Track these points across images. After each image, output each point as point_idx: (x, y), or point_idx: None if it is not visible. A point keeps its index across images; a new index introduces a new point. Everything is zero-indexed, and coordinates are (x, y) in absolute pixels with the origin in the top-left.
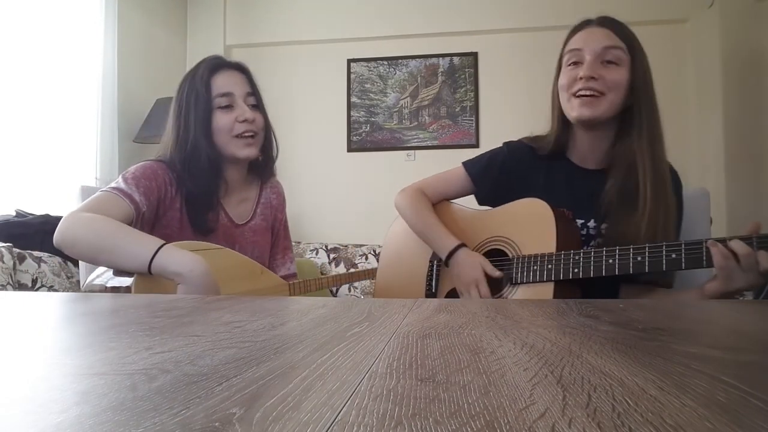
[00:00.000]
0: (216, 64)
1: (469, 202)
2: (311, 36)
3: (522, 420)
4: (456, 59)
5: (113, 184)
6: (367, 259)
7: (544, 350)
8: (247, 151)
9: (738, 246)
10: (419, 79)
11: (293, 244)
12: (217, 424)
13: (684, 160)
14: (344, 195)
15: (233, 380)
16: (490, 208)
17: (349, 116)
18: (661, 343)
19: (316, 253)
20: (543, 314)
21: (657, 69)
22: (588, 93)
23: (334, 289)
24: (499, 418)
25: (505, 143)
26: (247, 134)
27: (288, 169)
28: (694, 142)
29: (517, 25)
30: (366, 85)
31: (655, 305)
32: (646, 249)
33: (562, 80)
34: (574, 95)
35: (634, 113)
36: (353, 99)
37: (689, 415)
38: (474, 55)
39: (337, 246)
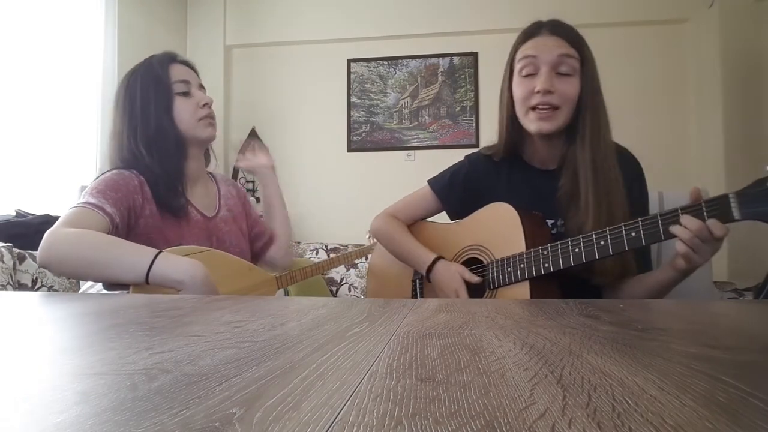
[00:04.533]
0: (171, 57)
1: (444, 218)
2: (311, 36)
3: (522, 420)
4: (456, 59)
5: (81, 200)
6: (367, 258)
7: (544, 350)
8: (209, 131)
9: (690, 222)
10: (419, 79)
11: (293, 244)
12: (217, 424)
13: (684, 160)
14: (344, 195)
15: (233, 380)
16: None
17: (349, 116)
18: (661, 343)
19: (316, 253)
20: (543, 314)
21: (657, 69)
22: (545, 108)
23: (334, 289)
24: (499, 418)
25: (466, 156)
26: (208, 117)
27: (288, 169)
28: (694, 142)
29: (517, 25)
30: (366, 85)
31: (655, 305)
32: (608, 232)
33: (518, 92)
34: (531, 109)
35: (579, 121)
36: (353, 99)
37: (689, 415)
38: (474, 55)
39: (337, 246)
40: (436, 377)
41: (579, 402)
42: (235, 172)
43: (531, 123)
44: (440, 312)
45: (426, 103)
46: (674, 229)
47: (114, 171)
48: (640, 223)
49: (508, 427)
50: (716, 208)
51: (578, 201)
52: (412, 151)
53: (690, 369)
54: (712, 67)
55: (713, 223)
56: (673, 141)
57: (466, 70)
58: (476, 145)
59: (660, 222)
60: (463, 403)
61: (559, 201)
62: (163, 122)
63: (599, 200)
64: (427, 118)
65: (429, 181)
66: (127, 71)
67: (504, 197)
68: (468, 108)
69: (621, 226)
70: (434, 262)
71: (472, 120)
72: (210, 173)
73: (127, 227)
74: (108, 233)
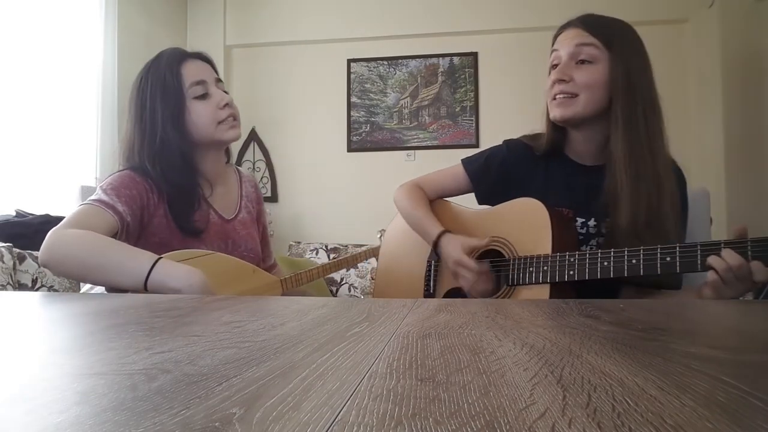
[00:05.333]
0: (182, 54)
1: (469, 201)
2: (311, 36)
3: (522, 420)
4: (456, 59)
5: (94, 197)
6: (368, 261)
7: (544, 350)
8: (233, 133)
9: (731, 258)
10: (419, 79)
11: (293, 243)
12: (217, 424)
13: (684, 160)
14: (344, 195)
15: (233, 380)
16: (489, 207)
17: (349, 116)
18: (661, 343)
19: (316, 253)
20: (543, 314)
21: (657, 69)
22: (561, 96)
23: (334, 289)
24: (499, 418)
25: (505, 141)
26: (230, 118)
27: (288, 169)
28: (694, 142)
29: (517, 25)
30: (366, 85)
31: (655, 305)
32: (641, 252)
33: (546, 84)
34: (553, 99)
35: (612, 109)
36: (353, 99)
37: (689, 415)
38: (474, 55)
39: (337, 246)
40: (436, 377)
41: (579, 402)
42: None
43: (551, 110)
44: (440, 312)
45: (426, 103)
46: (711, 259)
47: (127, 170)
48: (677, 249)
49: (508, 427)
50: (763, 249)
51: (616, 200)
52: (412, 151)
53: (690, 369)
54: (712, 67)
55: (756, 266)
56: (673, 141)
57: (466, 70)
58: (476, 145)
59: (699, 252)
60: (463, 403)
61: (602, 200)
62: (169, 136)
63: (635, 200)
64: (427, 118)
65: (463, 161)
66: (141, 69)
67: (539, 190)
68: (468, 108)
69: (656, 249)
70: (440, 235)
71: (472, 120)
72: (237, 168)
73: (140, 226)
74: (116, 233)
